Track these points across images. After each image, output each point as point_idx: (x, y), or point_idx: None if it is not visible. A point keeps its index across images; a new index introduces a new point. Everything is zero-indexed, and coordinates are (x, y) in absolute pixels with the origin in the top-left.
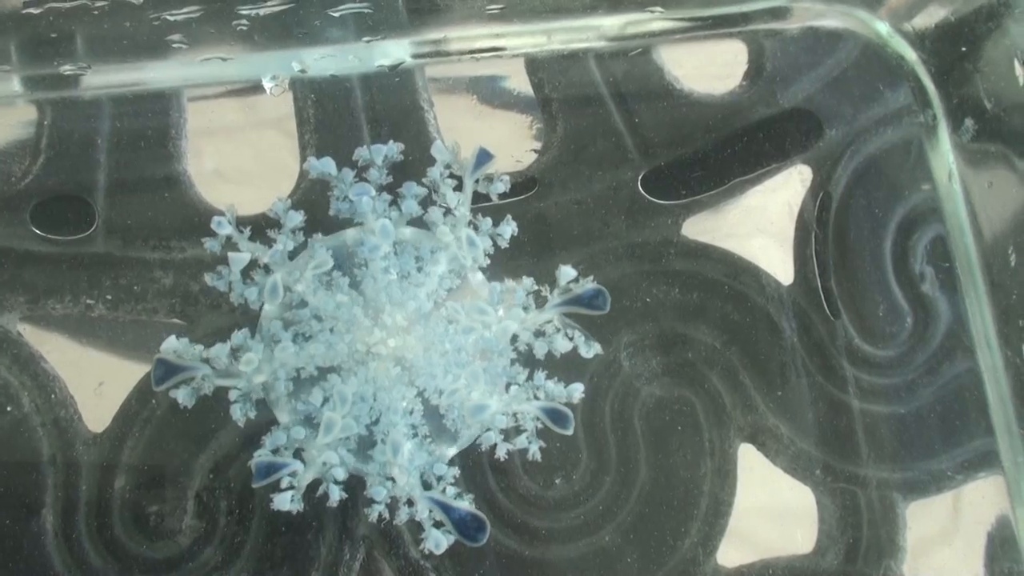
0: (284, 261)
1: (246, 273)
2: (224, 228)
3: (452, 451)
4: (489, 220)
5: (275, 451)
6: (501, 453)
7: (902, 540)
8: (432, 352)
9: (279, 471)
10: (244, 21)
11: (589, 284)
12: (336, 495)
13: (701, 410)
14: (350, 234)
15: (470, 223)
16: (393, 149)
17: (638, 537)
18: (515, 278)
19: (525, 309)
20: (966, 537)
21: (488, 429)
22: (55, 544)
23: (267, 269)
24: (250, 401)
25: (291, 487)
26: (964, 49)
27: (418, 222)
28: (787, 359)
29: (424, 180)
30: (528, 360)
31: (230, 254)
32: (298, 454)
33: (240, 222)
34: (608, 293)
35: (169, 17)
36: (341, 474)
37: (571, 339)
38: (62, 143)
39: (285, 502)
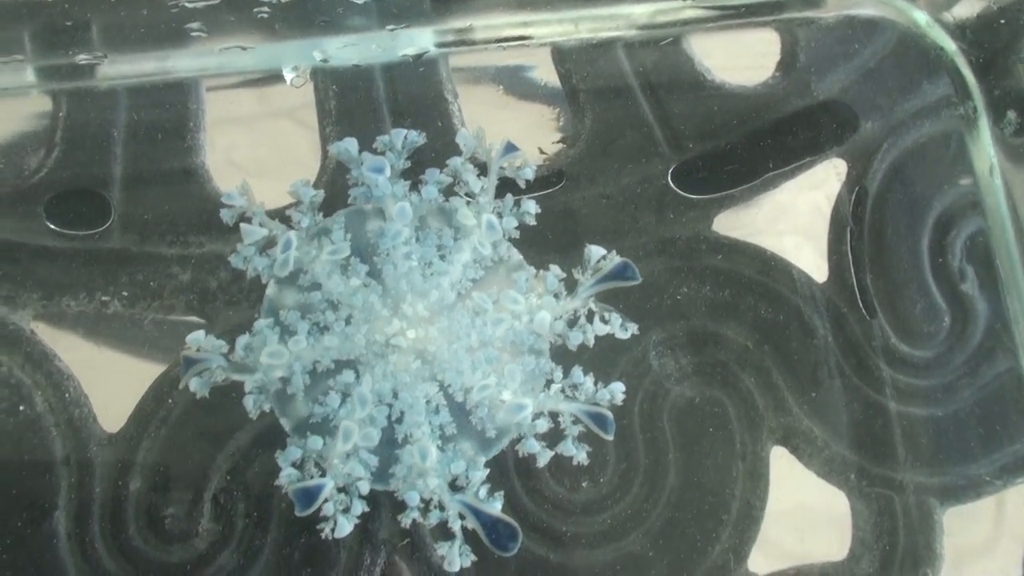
0: (303, 239)
1: (263, 251)
2: (235, 200)
3: (482, 459)
4: (511, 198)
5: (296, 466)
6: (543, 462)
7: (939, 547)
8: (457, 346)
9: (320, 493)
10: (265, 9)
11: (616, 258)
12: (358, 509)
13: (732, 411)
14: (371, 214)
15: (494, 210)
16: (414, 135)
17: (667, 543)
18: (543, 270)
19: (557, 296)
20: (1006, 544)
21: (523, 436)
22: (68, 547)
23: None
24: (265, 393)
25: (334, 509)
26: (1007, 39)
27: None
28: (821, 359)
29: (446, 170)
30: (557, 354)
31: (242, 225)
32: (318, 464)
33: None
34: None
35: (188, 4)
36: (365, 487)
37: (606, 322)
38: (77, 135)
39: (345, 527)
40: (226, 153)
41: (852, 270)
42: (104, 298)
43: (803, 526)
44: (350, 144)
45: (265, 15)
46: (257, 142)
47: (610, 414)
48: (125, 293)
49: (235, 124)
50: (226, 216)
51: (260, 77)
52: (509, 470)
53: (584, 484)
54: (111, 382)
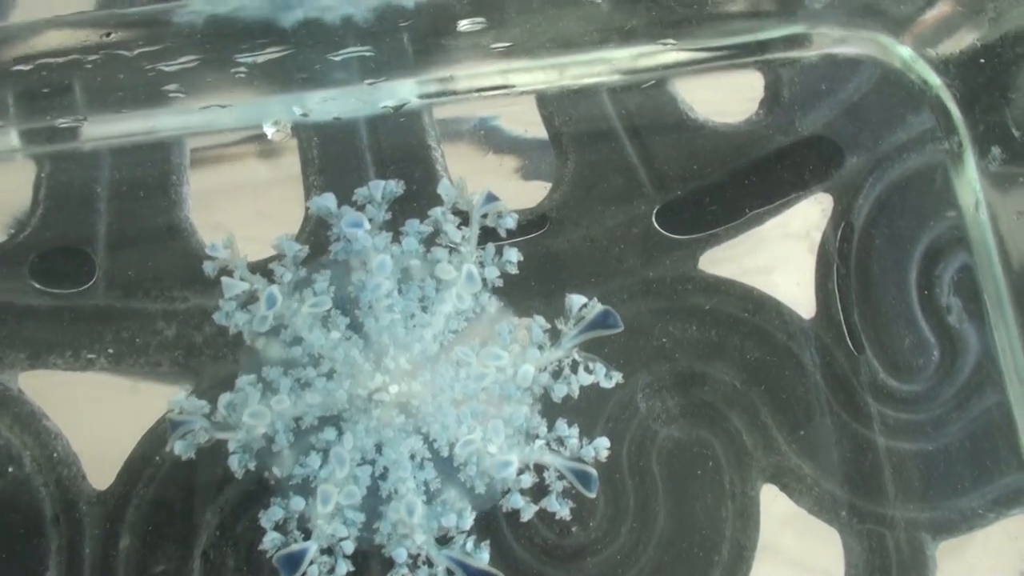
0: (285, 293)
1: (245, 306)
2: (219, 252)
3: (470, 512)
4: (492, 248)
5: (278, 528)
6: (527, 516)
7: None
8: (442, 399)
9: (303, 558)
10: (242, 68)
11: (597, 306)
12: (343, 569)
13: (721, 452)
14: (354, 265)
15: (476, 259)
16: (392, 185)
17: None
18: (527, 318)
19: (540, 348)
20: None
21: (508, 490)
22: None
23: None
24: (249, 452)
25: (319, 572)
26: (991, 75)
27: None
28: (810, 396)
29: (426, 220)
30: (542, 401)
31: (224, 279)
32: (302, 524)
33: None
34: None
35: (164, 68)
36: (349, 548)
37: (591, 372)
38: (61, 195)
39: None
40: (209, 208)
41: (840, 306)
42: (90, 356)
43: (795, 565)
44: (328, 200)
45: (243, 74)
46: (241, 196)
47: (594, 471)
48: (111, 350)
49: (219, 179)
50: (208, 268)
51: (242, 133)
52: (498, 516)
53: (574, 529)
54: (99, 440)
